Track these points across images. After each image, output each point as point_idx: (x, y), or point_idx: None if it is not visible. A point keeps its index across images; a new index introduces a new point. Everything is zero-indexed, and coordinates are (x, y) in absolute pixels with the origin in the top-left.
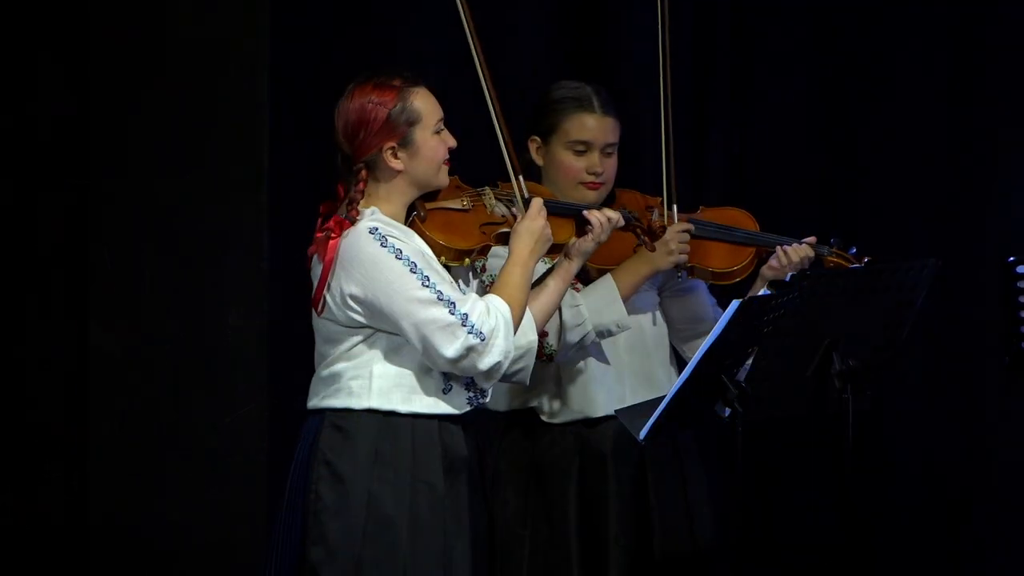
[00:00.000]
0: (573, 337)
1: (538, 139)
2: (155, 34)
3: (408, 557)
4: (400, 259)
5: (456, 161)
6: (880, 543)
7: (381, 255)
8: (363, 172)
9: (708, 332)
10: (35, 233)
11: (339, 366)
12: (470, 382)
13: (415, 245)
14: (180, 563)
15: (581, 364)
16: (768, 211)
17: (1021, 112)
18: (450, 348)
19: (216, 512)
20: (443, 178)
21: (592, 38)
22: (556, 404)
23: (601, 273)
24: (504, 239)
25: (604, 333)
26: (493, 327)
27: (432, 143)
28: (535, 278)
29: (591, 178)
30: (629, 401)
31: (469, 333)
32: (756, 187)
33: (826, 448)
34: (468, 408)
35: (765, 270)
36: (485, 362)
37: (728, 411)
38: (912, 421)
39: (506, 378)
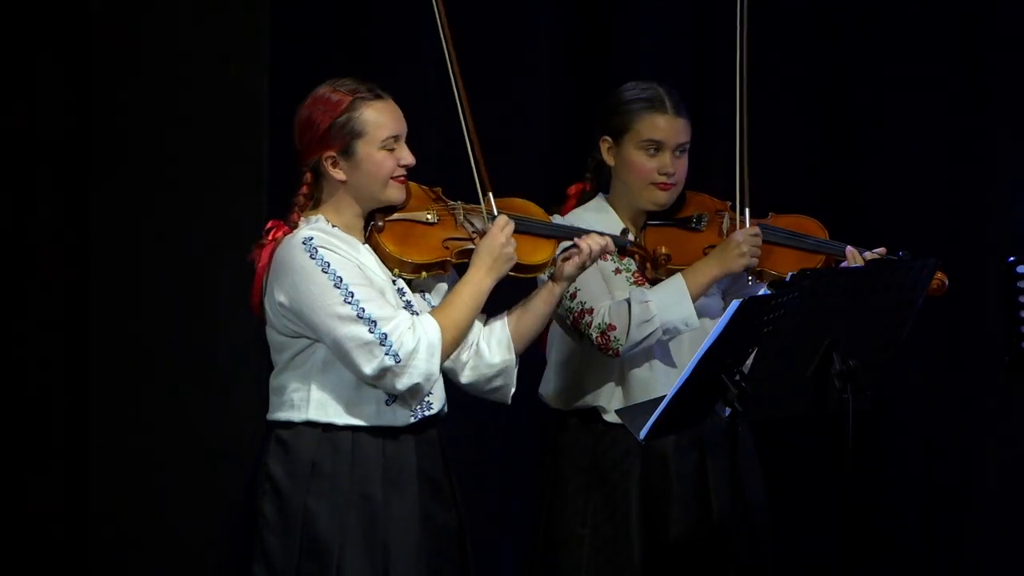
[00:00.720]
0: (640, 333)
1: (609, 139)
2: (155, 34)
3: (341, 571)
4: (326, 272)
5: (454, 173)
6: (880, 543)
7: (308, 267)
8: (307, 176)
9: None
10: (35, 233)
11: (283, 377)
12: None
13: (351, 258)
14: (180, 563)
15: (645, 365)
16: (767, 210)
17: (1021, 112)
18: (368, 367)
19: (216, 512)
20: (392, 194)
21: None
22: (618, 403)
23: (671, 273)
24: (467, 256)
25: (672, 331)
26: (412, 349)
27: (376, 158)
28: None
29: (663, 179)
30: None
31: (386, 354)
32: (756, 187)
33: (826, 448)
34: (412, 420)
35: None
36: (402, 383)
37: (728, 411)
38: (912, 421)
39: (484, 395)
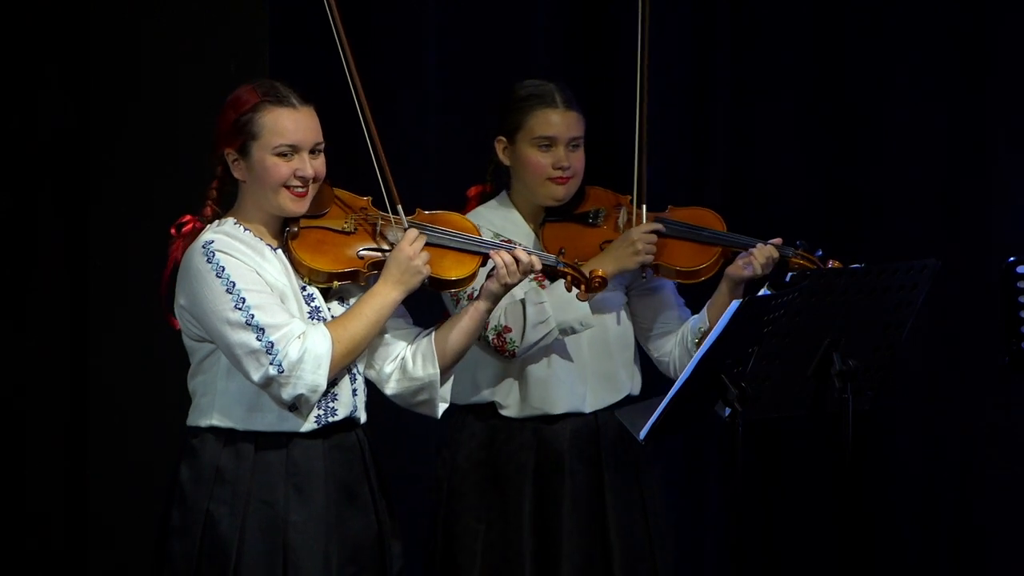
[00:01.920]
0: (536, 334)
1: (504, 139)
2: (155, 35)
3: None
4: (220, 277)
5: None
6: (880, 543)
7: (204, 271)
8: (218, 169)
9: (674, 331)
10: (35, 234)
11: (194, 381)
12: (322, 402)
13: (250, 263)
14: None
15: (544, 361)
16: (768, 211)
17: (1021, 112)
18: (255, 374)
19: None
20: (286, 203)
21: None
22: (516, 399)
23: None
24: (380, 267)
25: (567, 331)
26: (296, 360)
27: (267, 163)
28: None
29: (558, 173)
30: (589, 400)
31: (271, 363)
32: (756, 187)
33: (826, 448)
34: (316, 426)
35: (730, 270)
36: (287, 393)
37: (728, 411)
38: (912, 421)
39: (411, 407)
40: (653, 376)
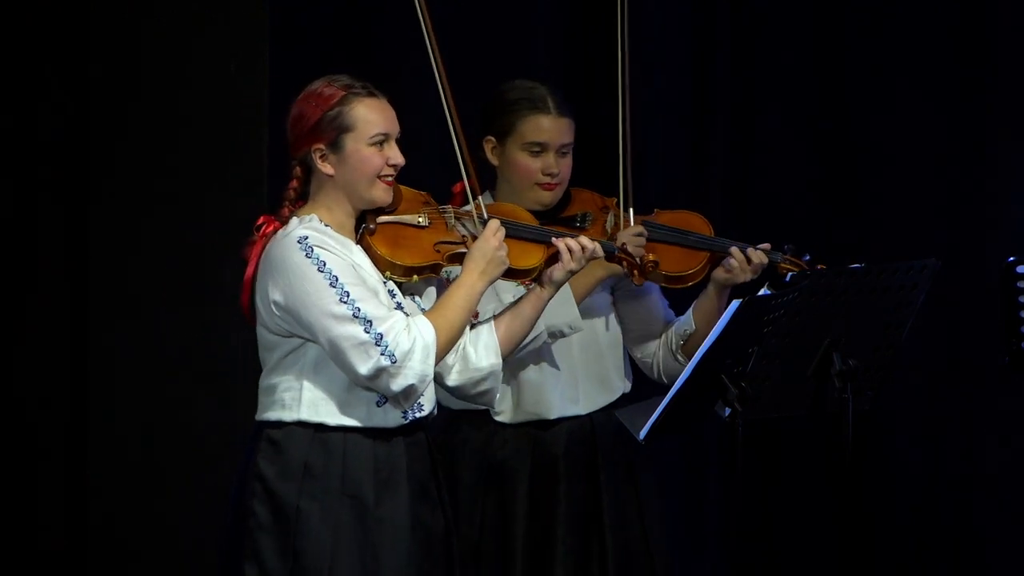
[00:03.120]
0: (525, 339)
1: (493, 139)
2: (155, 35)
3: (333, 573)
4: (322, 271)
5: (440, 176)
6: (880, 543)
7: (304, 265)
8: (297, 170)
9: (660, 334)
10: (35, 234)
11: (274, 377)
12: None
13: (346, 258)
14: (180, 563)
15: (534, 366)
16: (768, 212)
17: (1021, 112)
18: (363, 367)
19: (216, 513)
20: (378, 194)
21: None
22: (509, 404)
23: (659, 280)
24: (458, 259)
25: (556, 334)
26: (407, 350)
27: (364, 153)
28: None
29: (546, 179)
30: (583, 402)
31: (382, 354)
32: (756, 187)
33: (826, 448)
34: (403, 422)
35: (717, 274)
36: (397, 383)
37: (728, 411)
38: (912, 421)
39: (471, 399)
40: (644, 375)
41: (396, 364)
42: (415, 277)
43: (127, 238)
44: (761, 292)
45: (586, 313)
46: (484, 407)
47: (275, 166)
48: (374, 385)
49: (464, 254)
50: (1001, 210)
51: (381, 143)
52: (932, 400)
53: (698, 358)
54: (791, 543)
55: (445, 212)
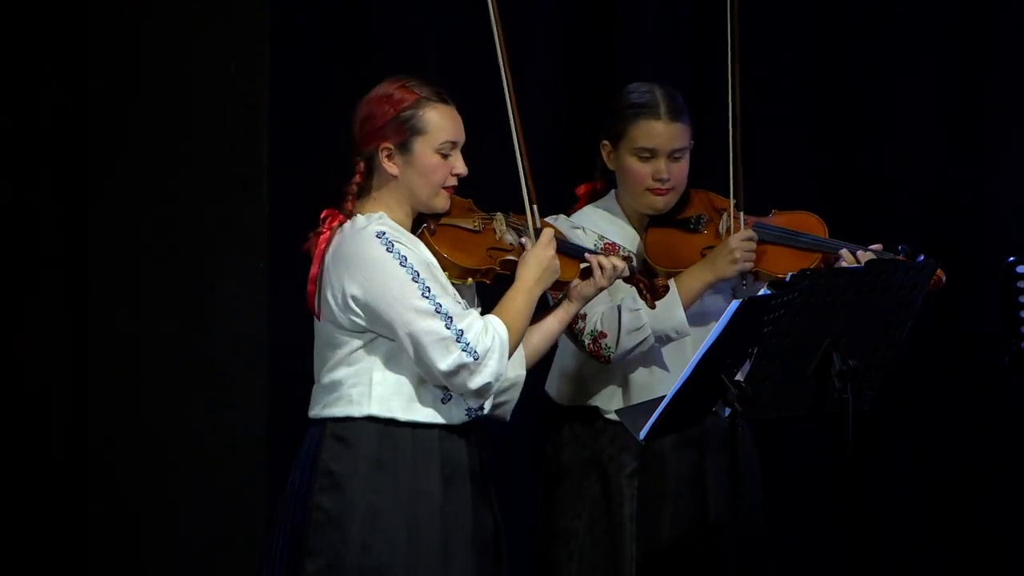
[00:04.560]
0: (631, 341)
1: (608, 144)
2: (155, 34)
3: (407, 568)
4: (404, 266)
5: (474, 185)
6: (880, 543)
7: (386, 259)
8: (360, 165)
9: None
10: (35, 233)
11: (339, 373)
12: None
13: (421, 254)
14: (180, 563)
15: (645, 369)
16: (767, 212)
17: (1021, 112)
18: (443, 362)
19: (216, 512)
20: (441, 201)
21: (601, 43)
22: (618, 403)
23: (667, 277)
24: (509, 266)
25: (663, 339)
26: (488, 347)
27: (431, 160)
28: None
29: (657, 184)
30: None
31: (463, 350)
32: (756, 188)
33: (826, 448)
34: (467, 419)
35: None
36: (476, 381)
37: (728, 411)
38: (912, 421)
39: (490, 410)
40: None
41: (477, 361)
42: (470, 280)
43: (127, 238)
44: (761, 292)
45: (701, 314)
46: (499, 417)
47: (275, 166)
48: (451, 381)
49: (514, 261)
50: (1001, 210)
51: (448, 152)
52: (932, 400)
53: (698, 358)
54: (791, 543)
55: (494, 219)
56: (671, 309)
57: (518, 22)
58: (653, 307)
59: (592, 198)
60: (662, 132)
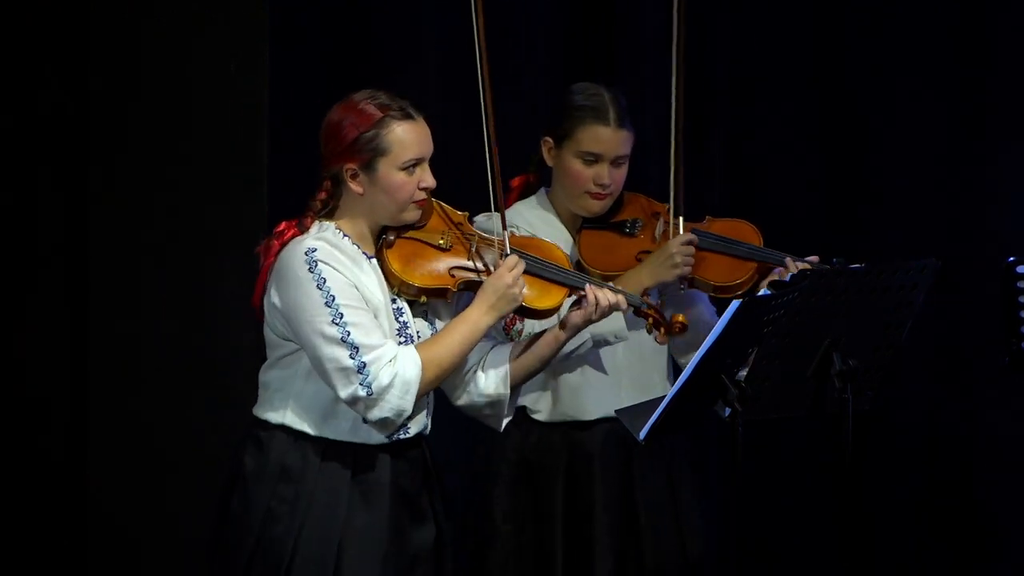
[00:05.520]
0: (569, 345)
1: (551, 141)
2: (155, 35)
3: (291, 571)
4: (320, 288)
5: (478, 186)
6: (880, 543)
7: (304, 279)
8: (326, 183)
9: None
10: (35, 232)
11: (271, 374)
12: None
13: (351, 276)
14: (180, 563)
15: (577, 371)
16: (768, 211)
17: (1021, 111)
18: (343, 391)
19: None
20: (410, 215)
21: (601, 43)
22: (546, 404)
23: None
24: (473, 287)
25: (601, 342)
26: (385, 385)
27: (396, 179)
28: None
29: (597, 189)
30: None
31: (360, 384)
32: (756, 188)
33: (826, 448)
34: (387, 441)
35: (765, 286)
36: (373, 415)
37: (728, 411)
38: (912, 421)
39: (478, 418)
40: None
41: (372, 397)
42: (423, 298)
43: (127, 238)
44: (761, 292)
45: (632, 320)
46: (491, 425)
47: (275, 166)
48: (352, 408)
49: (478, 283)
50: (1001, 210)
51: (412, 168)
52: (932, 400)
53: (698, 358)
54: (791, 543)
55: (471, 238)
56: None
57: (518, 22)
58: (664, 342)
59: (525, 192)
60: (610, 138)
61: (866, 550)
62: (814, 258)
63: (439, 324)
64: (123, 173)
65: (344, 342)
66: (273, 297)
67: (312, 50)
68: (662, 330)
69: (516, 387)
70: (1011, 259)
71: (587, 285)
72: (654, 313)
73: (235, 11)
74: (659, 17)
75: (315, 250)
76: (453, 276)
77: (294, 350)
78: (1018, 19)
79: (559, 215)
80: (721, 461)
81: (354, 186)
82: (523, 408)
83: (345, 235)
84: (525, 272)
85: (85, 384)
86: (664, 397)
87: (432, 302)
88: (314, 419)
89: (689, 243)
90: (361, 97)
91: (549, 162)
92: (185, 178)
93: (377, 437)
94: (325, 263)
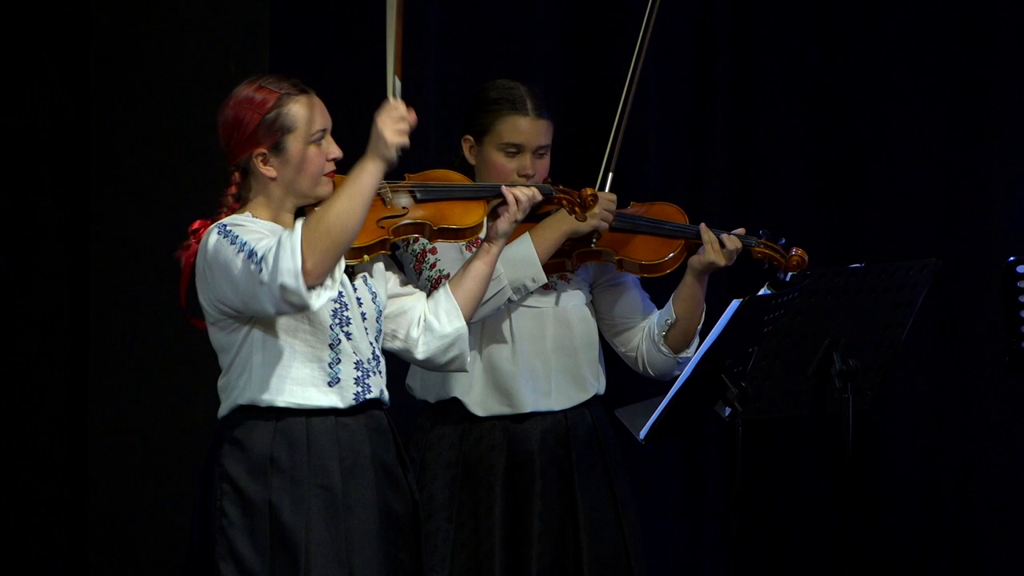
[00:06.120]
0: (489, 291)
1: (471, 138)
2: (156, 34)
3: (310, 564)
4: (233, 244)
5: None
6: (880, 543)
7: (219, 243)
8: (235, 175)
9: (638, 326)
10: (35, 233)
11: (230, 374)
12: (358, 377)
13: (260, 229)
14: (180, 563)
15: (508, 359)
16: (768, 212)
17: (1021, 111)
18: (259, 292)
19: None
20: (323, 189)
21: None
22: (480, 397)
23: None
24: (409, 230)
25: (520, 289)
26: (267, 248)
27: (307, 153)
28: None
29: (521, 180)
30: (556, 398)
31: (258, 272)
32: (756, 188)
33: (826, 448)
34: (355, 402)
35: (693, 261)
36: (274, 290)
37: (728, 411)
38: (912, 421)
39: (442, 368)
40: (619, 377)
41: (265, 271)
42: (365, 257)
43: (127, 238)
44: (761, 292)
45: (560, 309)
46: (457, 369)
47: None
48: (278, 308)
49: (409, 224)
50: (1001, 210)
51: (320, 140)
52: (932, 400)
53: (698, 358)
54: (791, 543)
55: (381, 191)
56: (527, 259)
57: (518, 22)
58: (584, 220)
59: None
60: (529, 127)
61: (866, 549)
62: (740, 230)
63: (376, 283)
64: (123, 173)
65: (242, 251)
66: (203, 289)
67: (312, 50)
68: (578, 209)
69: (469, 318)
70: (1011, 259)
71: (501, 187)
72: (565, 196)
73: (235, 11)
74: (659, 16)
75: (225, 224)
76: (383, 227)
77: (245, 334)
78: (1018, 19)
79: None
80: (721, 461)
81: (266, 171)
82: (460, 405)
83: (258, 219)
84: (437, 199)
85: (85, 384)
86: (664, 397)
87: (378, 258)
88: (279, 385)
89: (612, 200)
90: (248, 86)
91: (471, 160)
92: (185, 178)
93: (347, 400)
94: (237, 224)
